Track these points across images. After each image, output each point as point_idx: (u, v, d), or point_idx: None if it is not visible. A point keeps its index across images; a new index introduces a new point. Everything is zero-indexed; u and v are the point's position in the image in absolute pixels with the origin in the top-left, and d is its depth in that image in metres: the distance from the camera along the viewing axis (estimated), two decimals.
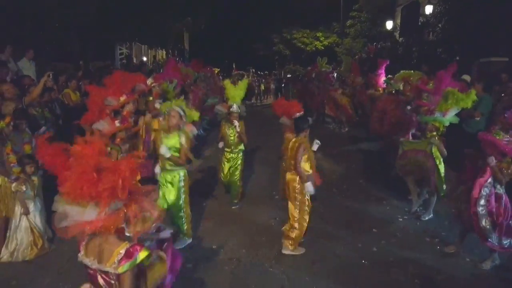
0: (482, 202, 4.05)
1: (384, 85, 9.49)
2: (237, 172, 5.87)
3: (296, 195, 4.40)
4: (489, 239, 4.07)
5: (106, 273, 2.16)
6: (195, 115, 5.14)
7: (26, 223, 4.50)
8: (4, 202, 4.47)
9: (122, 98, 5.27)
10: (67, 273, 4.14)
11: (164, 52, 23.35)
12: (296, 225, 4.41)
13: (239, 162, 5.87)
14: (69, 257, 4.47)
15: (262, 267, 4.25)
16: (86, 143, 2.13)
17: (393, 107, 7.22)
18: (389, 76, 9.24)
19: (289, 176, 4.46)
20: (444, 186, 5.20)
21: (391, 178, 6.97)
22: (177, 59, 22.19)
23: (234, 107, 5.70)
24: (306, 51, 29.30)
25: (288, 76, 19.08)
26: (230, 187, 6.01)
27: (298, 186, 4.37)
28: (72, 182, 2.00)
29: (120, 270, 2.10)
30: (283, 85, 18.89)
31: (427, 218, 5.45)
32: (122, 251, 2.12)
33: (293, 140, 4.48)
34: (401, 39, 19.00)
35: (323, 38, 29.51)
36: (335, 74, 12.87)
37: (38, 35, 10.91)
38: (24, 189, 4.46)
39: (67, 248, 4.66)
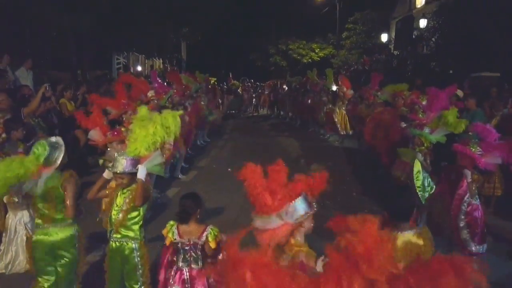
0: (462, 216, 4.26)
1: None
2: (132, 281, 3.24)
3: None
4: (469, 248, 4.27)
5: None
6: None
7: (22, 237, 4.47)
8: None
9: (123, 108, 5.37)
10: None
11: (161, 62, 23.48)
12: None
13: (134, 261, 3.22)
14: None
15: None
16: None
17: (387, 121, 7.29)
18: (376, 88, 9.39)
19: None
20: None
21: (385, 191, 7.04)
22: (174, 68, 22.33)
23: (121, 165, 3.18)
24: (302, 62, 29.58)
25: (284, 87, 19.19)
26: None
27: None
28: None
29: None
30: (279, 96, 19.04)
31: None
32: None
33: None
34: (395, 52, 19.27)
35: (318, 49, 29.81)
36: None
37: (36, 44, 11.00)
38: (16, 200, 4.44)
39: None
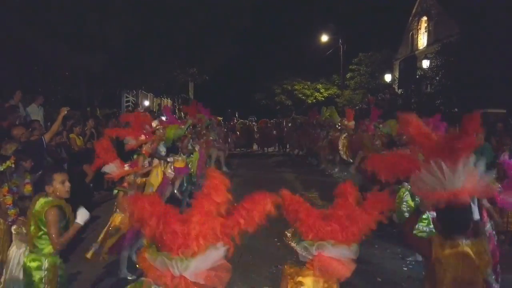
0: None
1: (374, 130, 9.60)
2: None
3: None
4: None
5: None
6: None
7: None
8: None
9: (142, 137, 5.46)
10: None
11: (170, 100, 23.98)
12: None
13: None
14: None
15: None
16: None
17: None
18: (378, 120, 9.43)
19: None
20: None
21: (394, 227, 6.89)
22: (181, 107, 22.72)
23: None
24: (307, 102, 30.05)
25: (289, 124, 19.41)
26: None
27: None
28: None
29: None
30: (284, 133, 19.21)
31: (411, 259, 5.49)
32: None
33: None
34: (399, 90, 19.56)
35: (323, 90, 30.36)
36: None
37: (48, 82, 11.33)
38: (25, 231, 4.39)
39: None
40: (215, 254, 2.05)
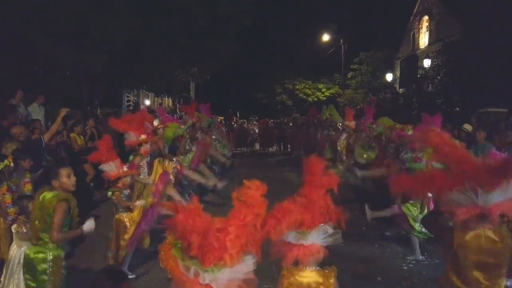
0: None
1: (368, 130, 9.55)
2: None
3: None
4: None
5: None
6: None
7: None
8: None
9: (143, 137, 5.45)
10: None
11: (171, 100, 23.99)
12: None
13: None
14: None
15: None
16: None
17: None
18: (370, 121, 9.37)
19: None
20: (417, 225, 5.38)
21: (395, 226, 6.87)
22: (181, 106, 22.73)
23: None
24: (308, 101, 30.01)
25: (290, 124, 19.39)
26: None
27: None
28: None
29: None
30: (286, 133, 19.17)
31: (412, 258, 5.53)
32: None
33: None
34: (401, 90, 19.52)
35: (324, 89, 30.32)
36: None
37: (49, 82, 11.34)
38: (25, 230, 4.40)
39: None
40: (244, 267, 2.07)
